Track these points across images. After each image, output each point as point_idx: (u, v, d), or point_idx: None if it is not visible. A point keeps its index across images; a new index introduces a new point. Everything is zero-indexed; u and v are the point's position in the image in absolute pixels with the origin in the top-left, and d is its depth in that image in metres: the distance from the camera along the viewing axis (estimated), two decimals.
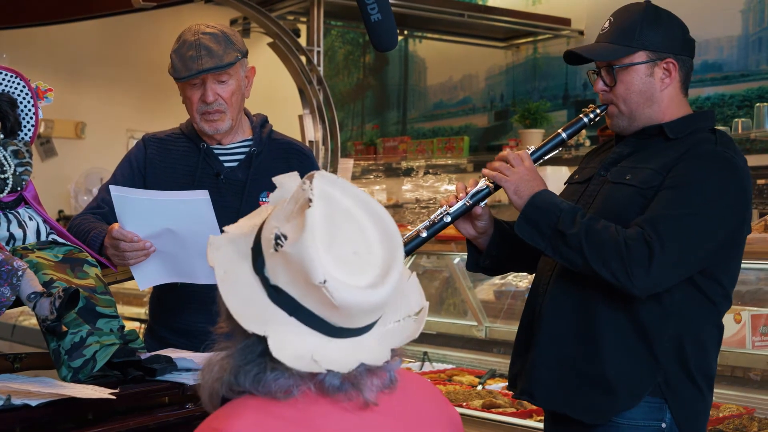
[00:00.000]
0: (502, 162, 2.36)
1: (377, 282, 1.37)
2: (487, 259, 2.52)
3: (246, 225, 1.49)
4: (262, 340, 1.37)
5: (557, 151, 2.47)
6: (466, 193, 2.41)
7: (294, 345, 1.37)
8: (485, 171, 2.38)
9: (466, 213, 2.42)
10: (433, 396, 1.59)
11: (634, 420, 2.25)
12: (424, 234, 2.40)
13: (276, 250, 1.37)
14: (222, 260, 1.44)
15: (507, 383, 4.23)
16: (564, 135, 2.44)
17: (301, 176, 2.87)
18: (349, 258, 1.37)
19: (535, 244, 2.28)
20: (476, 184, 2.42)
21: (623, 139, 2.41)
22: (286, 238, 1.36)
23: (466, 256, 2.64)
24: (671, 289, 2.21)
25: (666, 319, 2.24)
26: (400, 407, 1.48)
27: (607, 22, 2.39)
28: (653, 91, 2.32)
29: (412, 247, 2.40)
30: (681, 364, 2.25)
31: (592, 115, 2.43)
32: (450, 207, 2.41)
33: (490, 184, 2.39)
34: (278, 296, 1.39)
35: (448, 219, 2.40)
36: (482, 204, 2.42)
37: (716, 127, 2.36)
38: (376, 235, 1.41)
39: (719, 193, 2.20)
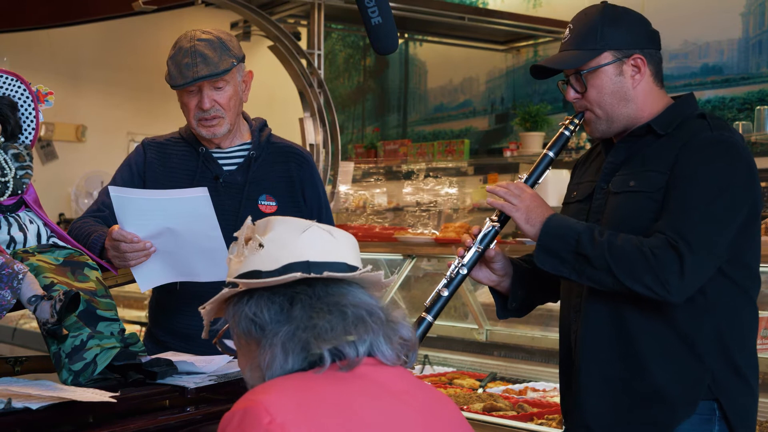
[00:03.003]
0: (507, 190, 2.31)
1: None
2: (515, 301, 2.45)
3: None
4: (310, 294, 1.53)
5: (548, 170, 2.41)
6: (474, 240, 2.36)
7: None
8: (490, 201, 2.34)
9: (479, 259, 2.37)
10: (455, 408, 1.67)
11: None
12: (446, 293, 2.34)
13: (262, 245, 1.56)
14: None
15: (508, 385, 4.24)
16: (551, 154, 2.39)
17: (300, 179, 2.90)
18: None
19: (559, 273, 2.22)
20: (479, 228, 2.37)
21: (613, 146, 2.35)
22: (258, 236, 1.56)
23: None
24: (704, 289, 2.16)
25: (702, 316, 2.18)
26: (430, 406, 1.58)
27: (567, 29, 2.35)
28: (626, 90, 2.27)
29: (438, 309, 2.34)
30: (726, 359, 2.19)
31: (571, 127, 2.38)
32: (463, 258, 2.36)
33: (495, 223, 2.34)
34: (290, 272, 1.53)
35: (465, 271, 2.35)
36: (492, 246, 2.37)
37: (704, 111, 2.30)
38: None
39: (729, 176, 2.15)
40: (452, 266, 2.37)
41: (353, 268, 1.58)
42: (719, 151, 2.17)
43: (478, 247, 2.35)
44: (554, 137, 2.42)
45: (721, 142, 2.18)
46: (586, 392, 2.27)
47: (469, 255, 2.36)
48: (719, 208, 2.13)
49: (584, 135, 5.83)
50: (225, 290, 1.58)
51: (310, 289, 1.54)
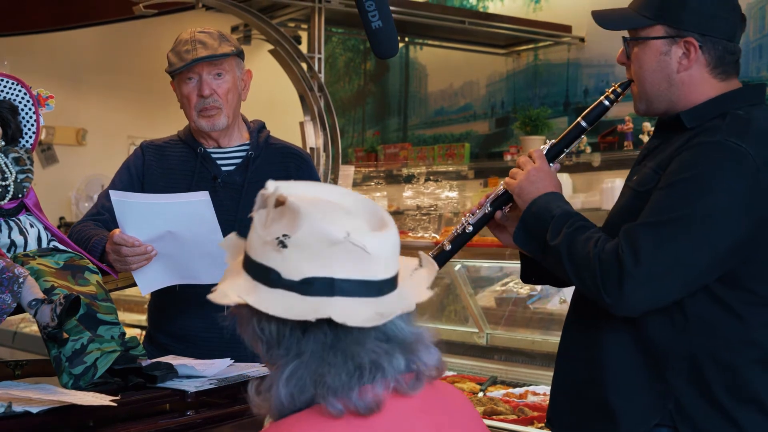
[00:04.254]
0: (516, 166, 2.21)
1: (382, 226, 1.39)
2: (540, 267, 2.27)
3: (230, 274, 1.46)
4: (326, 332, 1.35)
5: (578, 141, 2.25)
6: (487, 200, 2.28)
7: (352, 313, 1.35)
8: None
9: (488, 221, 2.29)
10: (470, 407, 1.63)
11: None
12: (449, 247, 2.28)
13: (285, 246, 1.35)
14: (241, 291, 1.39)
15: (508, 389, 4.24)
16: (584, 124, 2.20)
17: (299, 179, 2.88)
18: (346, 217, 1.38)
19: (531, 253, 2.13)
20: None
21: (656, 131, 2.16)
22: (286, 234, 1.35)
23: (467, 263, 2.59)
24: (682, 303, 1.94)
25: (678, 336, 1.96)
26: (458, 410, 1.54)
27: None
28: (669, 72, 2.04)
29: (439, 262, 2.27)
30: (699, 386, 1.95)
31: (612, 96, 2.17)
32: (471, 216, 2.29)
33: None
34: (311, 287, 1.35)
35: (471, 229, 2.28)
36: (504, 209, 2.26)
37: (732, 110, 2.00)
38: (351, 200, 1.42)
39: (715, 189, 1.87)
40: (461, 222, 2.30)
41: (386, 285, 1.39)
42: (713, 159, 1.90)
43: (487, 209, 2.27)
44: (592, 105, 2.22)
45: (720, 149, 1.90)
46: (554, 387, 2.23)
47: (478, 214, 2.29)
48: (692, 225, 1.87)
49: (585, 138, 5.82)
50: (233, 299, 1.40)
51: (327, 323, 1.35)
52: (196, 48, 2.68)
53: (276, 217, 1.38)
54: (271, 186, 1.40)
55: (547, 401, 3.91)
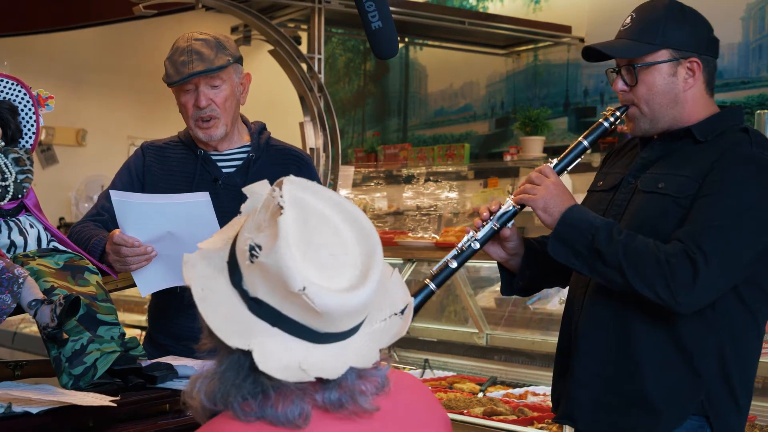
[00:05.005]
0: (528, 182, 2.27)
1: (358, 284, 1.34)
2: (521, 280, 2.43)
3: (219, 239, 1.46)
4: (248, 355, 1.33)
5: (579, 160, 2.35)
6: (491, 215, 2.32)
7: (279, 356, 1.33)
8: (514, 196, 2.30)
9: (494, 236, 2.33)
10: (423, 396, 1.55)
11: None
12: (454, 264, 2.30)
13: (252, 262, 1.33)
14: (198, 277, 1.39)
15: (508, 389, 4.24)
16: (585, 143, 2.34)
17: None
18: (327, 261, 1.34)
19: (571, 265, 2.19)
20: (499, 204, 2.32)
21: (649, 142, 2.31)
22: (260, 248, 1.32)
23: (467, 263, 2.57)
24: (713, 302, 2.12)
25: (708, 332, 2.15)
26: (393, 410, 1.44)
27: (629, 17, 2.27)
28: (676, 92, 2.22)
29: (443, 278, 2.29)
30: (724, 379, 2.17)
31: (612, 119, 2.32)
32: (477, 232, 2.31)
33: (517, 204, 2.30)
34: (259, 308, 1.35)
35: (477, 245, 2.30)
36: (509, 225, 2.33)
37: (747, 126, 2.24)
38: (352, 236, 1.38)
39: (758, 198, 2.10)
40: (465, 238, 2.32)
41: (331, 336, 1.36)
42: (754, 171, 2.12)
43: (495, 225, 2.31)
44: (592, 126, 2.36)
45: (758, 161, 2.13)
46: (577, 385, 2.26)
47: (484, 230, 2.31)
48: (741, 230, 2.07)
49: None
50: (185, 279, 1.38)
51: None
52: (192, 61, 2.66)
53: (267, 224, 1.35)
54: (286, 188, 1.36)
55: (548, 402, 3.92)
